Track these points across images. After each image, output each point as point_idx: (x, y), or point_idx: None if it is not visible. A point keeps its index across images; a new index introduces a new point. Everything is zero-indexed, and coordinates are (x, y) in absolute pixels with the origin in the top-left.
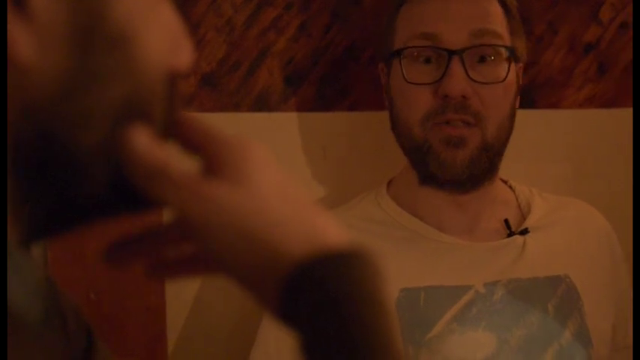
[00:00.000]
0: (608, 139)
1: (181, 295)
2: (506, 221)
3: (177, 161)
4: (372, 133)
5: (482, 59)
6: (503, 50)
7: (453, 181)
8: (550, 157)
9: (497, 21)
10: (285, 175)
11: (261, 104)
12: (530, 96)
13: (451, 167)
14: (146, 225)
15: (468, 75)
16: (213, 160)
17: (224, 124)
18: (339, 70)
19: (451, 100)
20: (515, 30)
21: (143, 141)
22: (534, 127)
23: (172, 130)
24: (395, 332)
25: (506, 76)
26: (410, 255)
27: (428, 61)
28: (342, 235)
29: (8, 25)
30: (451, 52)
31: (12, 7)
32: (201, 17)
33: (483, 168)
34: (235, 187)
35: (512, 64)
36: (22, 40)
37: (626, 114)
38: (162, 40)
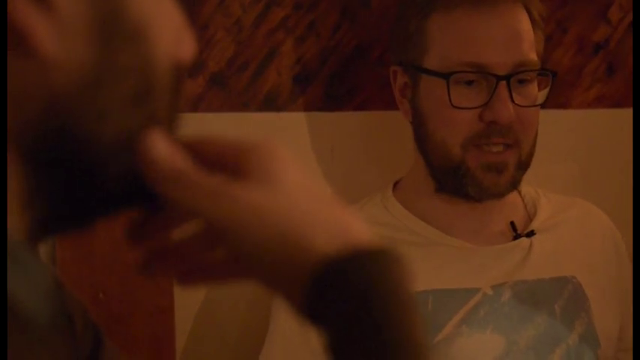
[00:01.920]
0: (616, 140)
1: (190, 296)
2: (512, 223)
3: (199, 165)
4: (380, 132)
5: (522, 82)
6: (545, 72)
7: (482, 200)
8: (558, 157)
9: (532, 44)
10: (307, 174)
11: (270, 104)
12: None
13: (491, 189)
14: (176, 232)
15: (512, 99)
16: (239, 164)
17: (232, 124)
18: (348, 69)
19: (497, 125)
20: (538, 40)
21: (162, 146)
22: (542, 127)
23: (178, 130)
24: (421, 329)
25: (544, 97)
26: (418, 258)
27: (469, 83)
28: (366, 232)
29: (29, 19)
30: (499, 78)
31: (34, 1)
32: (209, 17)
33: (519, 184)
34: (263, 188)
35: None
36: (43, 34)
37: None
38: (168, 33)
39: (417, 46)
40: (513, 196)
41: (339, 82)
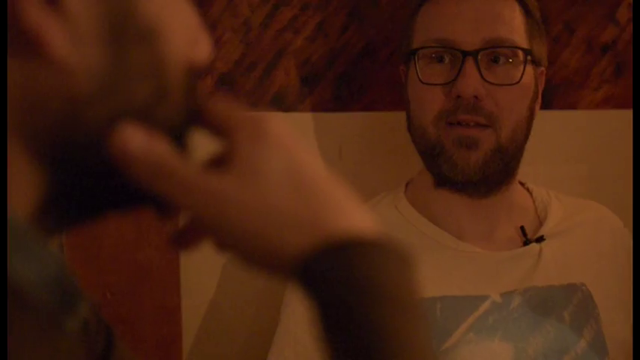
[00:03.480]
0: (624, 140)
1: (197, 296)
2: (522, 228)
3: (177, 156)
4: (388, 133)
5: (497, 60)
6: (519, 52)
7: (467, 184)
8: (566, 157)
9: (513, 25)
10: (304, 156)
11: (278, 104)
12: (546, 97)
13: (464, 168)
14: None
15: (481, 76)
16: (229, 146)
17: None
18: (356, 70)
19: (463, 100)
20: (534, 33)
21: (138, 140)
22: (551, 128)
23: (194, 120)
24: (417, 330)
25: (521, 78)
26: (428, 263)
27: (441, 60)
28: (366, 224)
29: (43, 23)
30: (465, 53)
31: (46, 5)
32: (217, 18)
33: (497, 170)
34: (240, 182)
35: (530, 67)
36: (56, 38)
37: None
38: (183, 35)
39: (407, 37)
40: (524, 198)
41: (347, 82)
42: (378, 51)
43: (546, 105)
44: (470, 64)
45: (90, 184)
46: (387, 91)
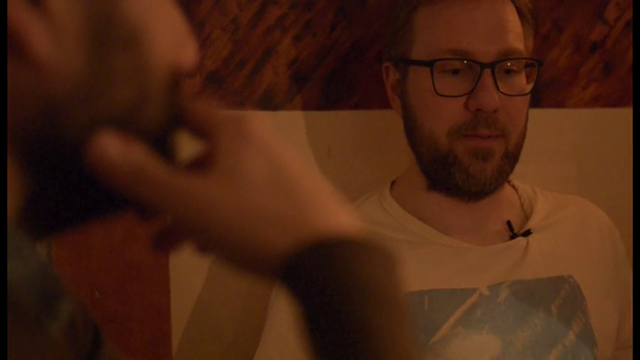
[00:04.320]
0: (613, 139)
1: (186, 295)
2: (508, 223)
3: (156, 160)
4: (377, 131)
5: (508, 72)
6: (523, 61)
7: (477, 193)
8: (555, 156)
9: (517, 33)
10: (286, 155)
11: (266, 103)
12: (535, 95)
13: (480, 179)
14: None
15: (497, 88)
16: (211, 147)
17: None
18: (344, 68)
19: (483, 113)
20: (527, 34)
21: (115, 147)
22: (539, 127)
23: (178, 123)
24: (401, 328)
25: (532, 89)
26: (414, 258)
27: (456, 72)
28: (349, 224)
29: (25, 23)
30: (483, 65)
31: (28, 5)
32: (206, 16)
33: (506, 176)
34: (221, 183)
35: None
36: (38, 38)
37: (632, 113)
38: (168, 38)
39: (404, 39)
40: (510, 194)
41: (335, 81)
42: (367, 49)
43: (535, 103)
44: (488, 76)
45: (70, 190)
46: (375, 89)
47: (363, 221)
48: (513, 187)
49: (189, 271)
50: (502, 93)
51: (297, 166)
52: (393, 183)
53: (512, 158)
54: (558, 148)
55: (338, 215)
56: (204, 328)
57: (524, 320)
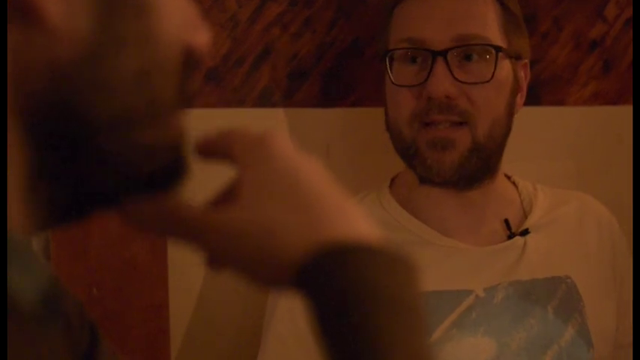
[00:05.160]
0: (612, 137)
1: (185, 292)
2: (506, 222)
3: (182, 205)
4: (376, 129)
5: (469, 57)
6: (490, 49)
7: (445, 183)
8: (554, 154)
9: (486, 21)
10: (307, 169)
11: (265, 100)
12: (535, 93)
13: (439, 170)
14: None
15: (452, 75)
16: (236, 172)
17: (228, 120)
18: (344, 66)
19: (435, 100)
20: (511, 27)
21: (146, 208)
22: (539, 124)
23: (187, 105)
24: (417, 335)
25: (493, 75)
26: None
27: (414, 60)
28: (364, 231)
29: None
30: (435, 53)
31: None
32: (205, 13)
33: (475, 169)
34: (245, 213)
35: (507, 62)
36: (48, 4)
37: (631, 111)
38: (179, 16)
39: (384, 35)
40: (510, 191)
41: (334, 78)
42: (366, 47)
43: (534, 101)
44: (440, 63)
45: (76, 167)
46: (374, 87)
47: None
48: (514, 183)
49: (187, 269)
50: (458, 80)
51: (317, 177)
52: (392, 180)
53: (483, 151)
54: (557, 146)
55: (356, 224)
56: (202, 326)
57: (519, 321)
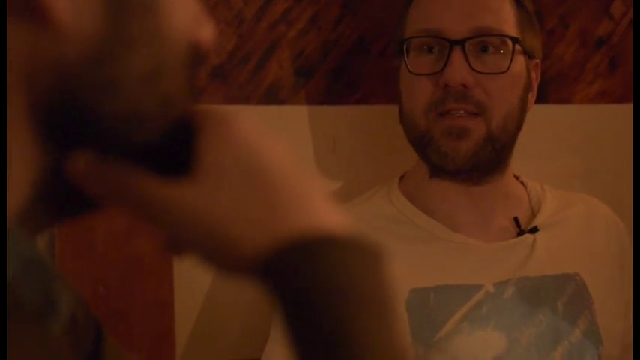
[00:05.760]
0: (618, 135)
1: (190, 290)
2: (515, 219)
3: (131, 173)
4: (382, 126)
5: (486, 50)
6: (508, 42)
7: (459, 172)
8: (560, 152)
9: (502, 15)
10: (270, 153)
11: (271, 97)
12: (541, 91)
13: (454, 158)
14: None
15: (469, 65)
16: (194, 145)
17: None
18: (350, 63)
19: (452, 89)
20: (525, 25)
21: (91, 165)
22: (545, 122)
23: (195, 98)
24: (386, 326)
25: (509, 67)
26: (421, 255)
27: (430, 51)
28: (326, 220)
29: None
30: (453, 42)
31: None
32: (211, 10)
33: (489, 159)
34: (199, 188)
35: (521, 57)
36: (57, 3)
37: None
38: (185, 12)
39: (400, 29)
40: (518, 191)
41: (340, 75)
42: (372, 44)
43: (540, 99)
44: (457, 53)
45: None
46: (380, 84)
47: (372, 215)
48: (522, 183)
49: (193, 266)
50: (475, 70)
51: (282, 163)
52: (401, 177)
53: (496, 142)
54: (564, 144)
55: (323, 213)
56: (208, 324)
57: (529, 317)
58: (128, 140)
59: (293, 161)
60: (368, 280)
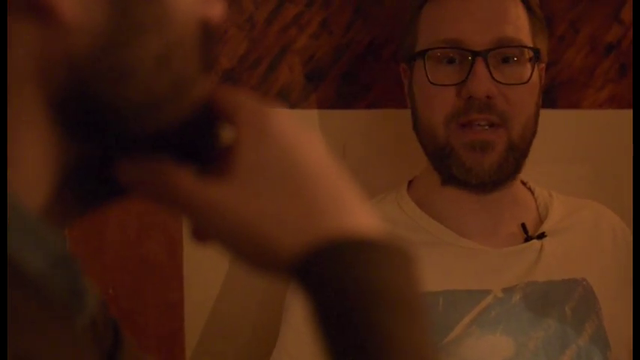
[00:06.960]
0: (628, 140)
1: (200, 291)
2: (523, 225)
3: (175, 171)
4: (392, 131)
5: (506, 60)
6: (526, 51)
7: (471, 184)
8: (570, 157)
9: (519, 24)
10: (308, 154)
11: (282, 101)
12: (550, 96)
13: (478, 172)
14: None
15: (492, 76)
16: (234, 140)
17: None
18: (360, 67)
19: (475, 100)
20: (537, 30)
21: (140, 168)
22: (554, 127)
23: (208, 70)
24: (417, 330)
25: (530, 77)
26: (429, 259)
27: (451, 62)
28: (360, 222)
29: None
30: (475, 54)
31: None
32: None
33: (510, 170)
34: (239, 188)
35: (535, 65)
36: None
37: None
38: None
39: (411, 36)
40: (526, 197)
41: (351, 79)
42: (383, 48)
43: (550, 104)
44: (480, 64)
45: (108, 153)
46: (391, 88)
47: (380, 220)
48: (530, 189)
49: (203, 268)
50: (497, 81)
51: (319, 164)
52: (410, 182)
53: (517, 151)
54: (573, 149)
55: (357, 215)
56: (218, 325)
57: (537, 322)
58: (149, 126)
59: (330, 163)
60: (400, 283)
